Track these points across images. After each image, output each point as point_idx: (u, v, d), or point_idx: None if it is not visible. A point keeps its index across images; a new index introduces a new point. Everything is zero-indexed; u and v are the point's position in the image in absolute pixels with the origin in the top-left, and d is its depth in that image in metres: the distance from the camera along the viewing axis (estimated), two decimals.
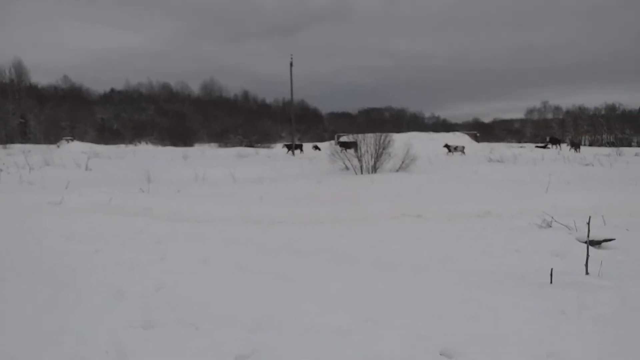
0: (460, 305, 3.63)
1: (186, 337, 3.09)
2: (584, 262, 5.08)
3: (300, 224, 8.84)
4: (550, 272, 4.51)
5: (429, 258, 5.76)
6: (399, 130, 48.72)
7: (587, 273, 4.94)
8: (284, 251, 5.78)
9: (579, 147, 41.90)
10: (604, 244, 6.76)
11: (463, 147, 18.37)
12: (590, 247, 6.44)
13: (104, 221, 7.41)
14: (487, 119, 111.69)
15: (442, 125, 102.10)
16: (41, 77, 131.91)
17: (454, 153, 18.70)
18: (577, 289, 4.04)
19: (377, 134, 19.94)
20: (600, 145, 69.98)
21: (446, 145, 18.89)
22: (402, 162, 18.82)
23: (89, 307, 3.55)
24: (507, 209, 10.02)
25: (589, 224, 5.32)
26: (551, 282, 4.40)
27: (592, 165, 20.79)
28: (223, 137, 60.83)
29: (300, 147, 39.72)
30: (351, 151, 27.32)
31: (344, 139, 30.91)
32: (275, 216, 9.53)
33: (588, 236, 5.40)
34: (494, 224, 8.41)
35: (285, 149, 39.09)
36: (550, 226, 7.58)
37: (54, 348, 2.91)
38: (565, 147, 41.99)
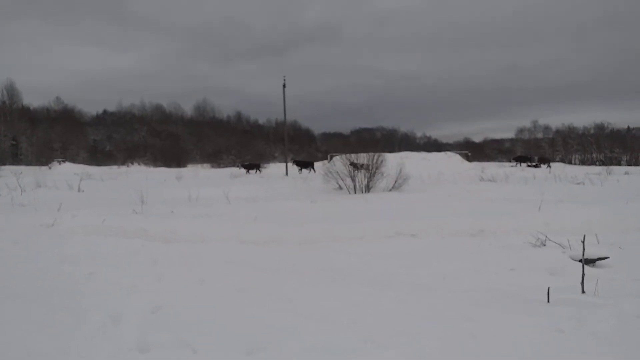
0: (459, 323, 3.62)
1: None
2: (579, 281, 5.11)
3: (295, 244, 8.83)
4: (547, 290, 4.54)
5: (425, 276, 5.77)
6: (391, 150, 49.06)
7: (583, 291, 4.97)
8: (280, 271, 5.75)
9: (549, 164, 42.66)
10: (598, 262, 6.82)
11: (368, 165, 19.73)
12: (585, 266, 6.48)
13: (98, 242, 7.34)
14: (477, 139, 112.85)
15: (433, 145, 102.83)
16: (33, 98, 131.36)
17: (360, 170, 19.76)
18: (574, 307, 4.05)
19: (370, 153, 20.13)
20: (590, 164, 70.79)
21: (352, 164, 19.97)
22: (395, 182, 18.92)
23: (86, 329, 3.49)
24: (500, 228, 10.07)
25: (583, 242, 5.36)
26: (548, 301, 4.42)
27: (583, 184, 21.01)
28: (216, 158, 60.88)
29: (257, 166, 39.48)
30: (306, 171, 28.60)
31: (335, 157, 30.98)
32: (270, 236, 9.51)
33: (583, 255, 5.44)
34: (488, 242, 8.45)
35: (244, 170, 38.62)
36: (545, 245, 7.64)
37: None
38: (523, 165, 42.78)
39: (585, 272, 5.27)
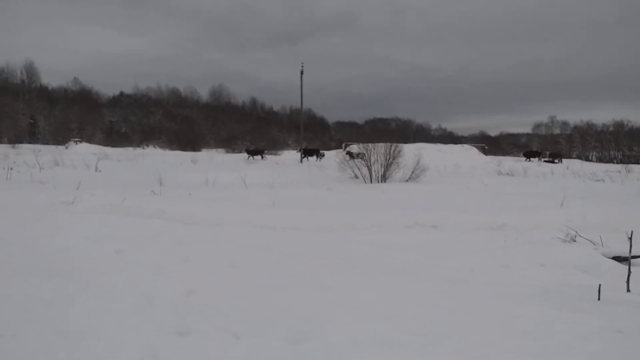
0: (510, 320, 3.45)
1: (226, 346, 2.91)
2: (616, 278, 4.93)
3: (314, 230, 8.72)
4: (598, 288, 4.31)
5: (455, 269, 5.59)
6: (406, 141, 48.57)
7: (628, 290, 4.76)
8: (307, 257, 5.61)
9: (560, 159, 42.06)
10: (632, 260, 6.59)
11: (363, 154, 19.78)
12: (619, 263, 6.26)
13: (120, 222, 7.28)
14: (493, 133, 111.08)
15: (448, 138, 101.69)
16: (52, 78, 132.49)
17: (356, 159, 19.74)
18: (626, 306, 3.86)
19: (387, 144, 19.94)
20: (608, 161, 69.62)
21: (348, 153, 19.94)
22: (412, 172, 18.75)
23: (119, 309, 3.38)
24: (523, 222, 9.86)
25: (630, 239, 5.14)
26: (599, 299, 4.26)
27: (603, 181, 20.66)
28: (231, 143, 60.86)
29: (261, 152, 38.66)
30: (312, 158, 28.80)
31: (352, 145, 30.73)
32: (288, 222, 9.42)
33: (630, 252, 5.22)
34: (513, 236, 8.25)
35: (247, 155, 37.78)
36: (575, 240, 7.41)
37: (84, 350, 2.74)
38: (541, 160, 42.22)
39: (620, 270, 5.10)
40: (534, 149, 55.74)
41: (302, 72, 37.91)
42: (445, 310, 3.63)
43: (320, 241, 7.36)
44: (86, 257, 4.72)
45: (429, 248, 7.16)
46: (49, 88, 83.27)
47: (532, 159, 44.08)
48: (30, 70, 76.05)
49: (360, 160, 19.78)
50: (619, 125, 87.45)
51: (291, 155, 44.00)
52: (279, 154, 47.86)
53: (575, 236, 7.49)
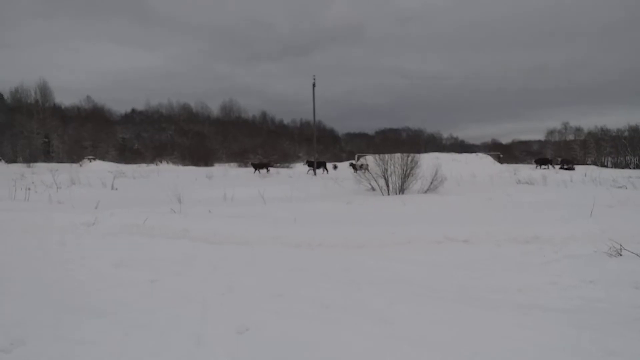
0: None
1: None
2: None
3: (342, 247, 8.44)
4: None
5: (503, 290, 5.22)
6: (417, 150, 48.11)
7: None
8: (351, 281, 5.22)
9: (572, 166, 41.41)
10: None
11: (367, 165, 19.51)
12: None
13: (147, 245, 7.05)
14: (505, 140, 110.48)
15: (460, 146, 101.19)
16: (65, 97, 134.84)
17: (359, 170, 19.48)
18: None
19: (404, 154, 19.63)
20: (624, 166, 68.53)
21: (352, 165, 19.65)
22: (431, 183, 18.39)
23: (168, 355, 3.05)
24: (556, 234, 9.48)
25: None
26: None
27: (626, 188, 20.14)
28: (242, 157, 60.94)
29: (266, 165, 38.12)
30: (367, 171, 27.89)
31: (367, 156, 30.45)
32: (313, 239, 9.15)
33: None
34: (552, 250, 7.90)
35: (252, 169, 37.28)
36: (621, 254, 7.04)
37: None
38: (557, 167, 41.64)
39: None
40: (547, 157, 55.25)
41: (314, 85, 37.85)
42: (540, 351, 3.27)
43: (356, 260, 7.00)
44: (120, 289, 4.42)
45: (470, 266, 6.79)
46: (62, 107, 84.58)
47: (543, 166, 43.57)
48: (44, 89, 77.29)
49: (363, 171, 19.54)
50: (634, 130, 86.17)
51: (303, 168, 43.87)
52: (291, 167, 47.78)
53: (621, 249, 7.12)
